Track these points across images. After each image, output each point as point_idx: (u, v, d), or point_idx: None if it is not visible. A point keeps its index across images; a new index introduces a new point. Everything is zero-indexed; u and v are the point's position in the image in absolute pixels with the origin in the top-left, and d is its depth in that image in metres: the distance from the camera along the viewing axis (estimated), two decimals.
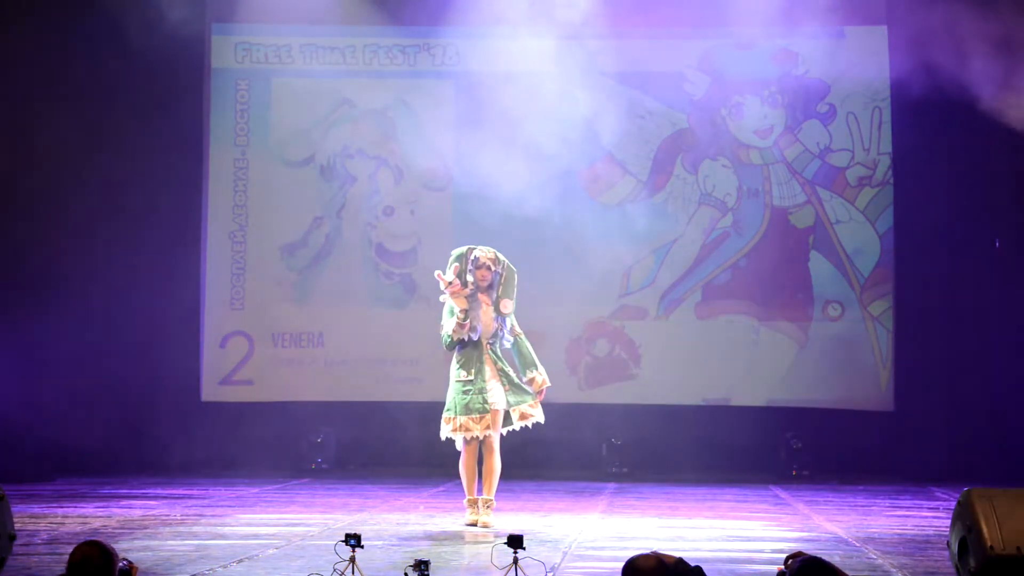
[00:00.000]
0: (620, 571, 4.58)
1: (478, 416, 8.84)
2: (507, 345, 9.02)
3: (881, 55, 13.12)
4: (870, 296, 13.25)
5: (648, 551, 4.81)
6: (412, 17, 13.43)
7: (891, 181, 13.25)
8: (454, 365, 9.05)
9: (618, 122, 13.35)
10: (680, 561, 4.71)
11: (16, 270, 12.88)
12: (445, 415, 8.99)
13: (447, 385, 9.10)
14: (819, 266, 13.33)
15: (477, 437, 8.85)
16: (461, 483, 9.06)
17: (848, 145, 13.32)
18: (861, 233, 13.27)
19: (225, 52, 13.66)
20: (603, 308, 13.44)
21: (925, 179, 13.03)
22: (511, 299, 8.98)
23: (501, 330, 8.97)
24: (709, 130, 13.43)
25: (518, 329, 9.05)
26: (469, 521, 8.94)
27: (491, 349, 8.96)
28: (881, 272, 13.24)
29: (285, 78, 13.65)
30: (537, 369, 9.01)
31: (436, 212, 13.44)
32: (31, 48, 12.66)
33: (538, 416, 8.98)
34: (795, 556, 4.73)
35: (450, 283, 8.95)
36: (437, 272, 9.05)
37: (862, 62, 13.21)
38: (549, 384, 9.06)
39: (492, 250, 9.08)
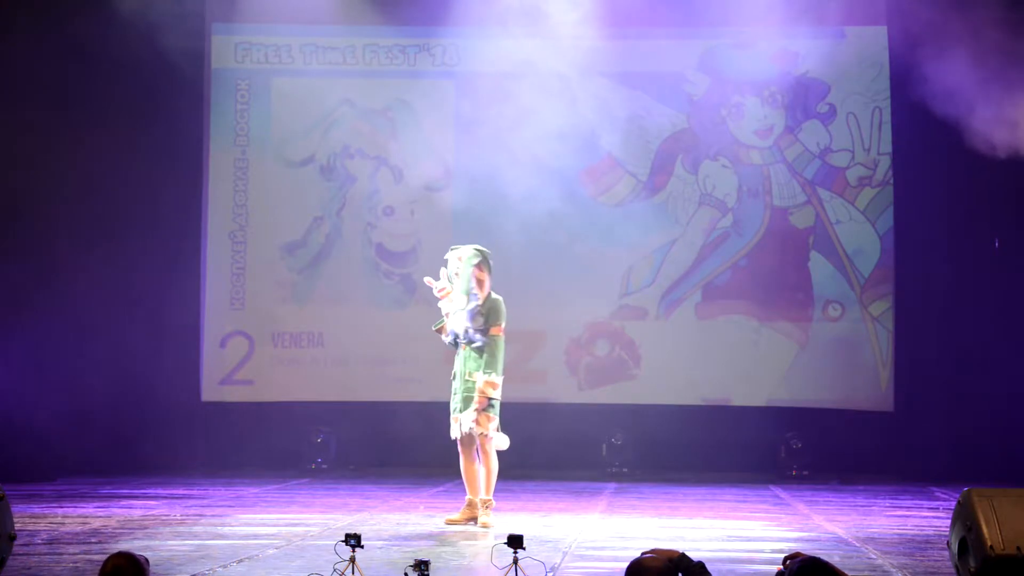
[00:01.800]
0: (623, 572, 4.57)
1: (454, 417, 8.91)
2: (477, 343, 8.92)
3: (881, 55, 13.13)
4: (870, 296, 13.25)
5: (649, 551, 4.81)
6: (412, 17, 13.43)
7: (891, 181, 13.25)
8: None
9: (618, 122, 13.36)
10: (683, 556, 4.72)
11: (16, 269, 12.87)
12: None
13: (449, 385, 9.13)
14: (819, 266, 13.33)
15: (456, 437, 8.90)
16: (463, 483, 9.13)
17: (848, 145, 13.32)
18: (861, 233, 13.27)
19: (225, 52, 13.66)
20: (603, 308, 13.44)
21: (925, 179, 13.02)
22: (463, 292, 8.87)
23: (469, 328, 8.91)
24: (709, 130, 13.43)
25: (495, 330, 8.92)
26: (448, 519, 8.98)
27: (462, 350, 8.96)
28: (881, 272, 13.24)
29: (285, 78, 13.65)
30: (484, 372, 8.82)
31: (436, 212, 13.43)
32: (30, 48, 12.65)
33: (465, 423, 8.84)
34: (793, 556, 4.73)
35: (441, 289, 8.99)
36: (427, 278, 9.08)
37: (862, 62, 13.21)
38: (484, 390, 8.78)
39: (464, 247, 9.07)
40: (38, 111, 12.81)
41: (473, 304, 8.87)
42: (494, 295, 8.99)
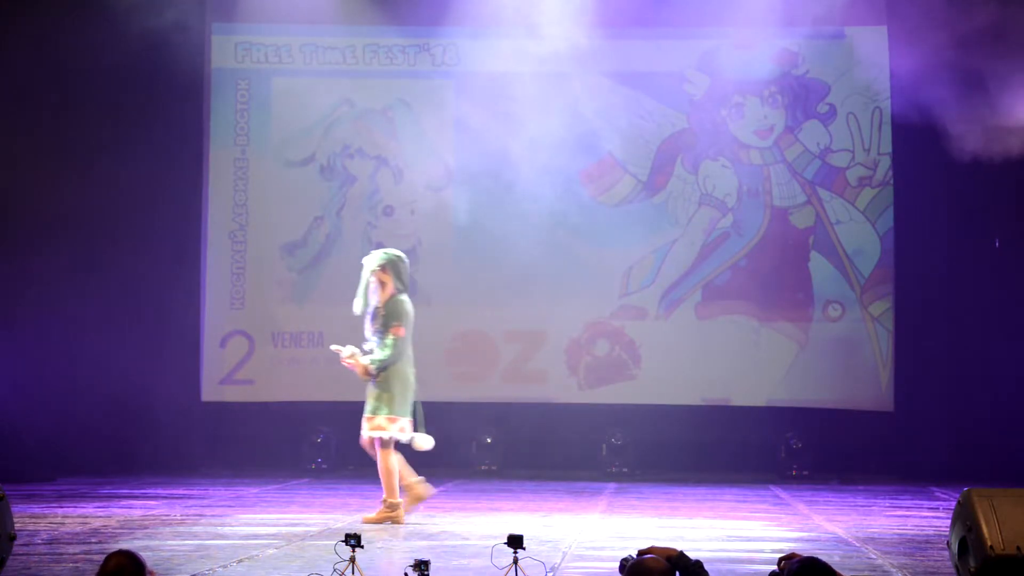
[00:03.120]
0: (623, 571, 4.57)
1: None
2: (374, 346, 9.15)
3: (881, 55, 13.11)
4: (870, 296, 13.25)
5: (646, 549, 4.80)
6: (412, 17, 13.42)
7: (891, 181, 13.25)
8: None
9: (618, 122, 13.35)
10: (681, 555, 4.72)
11: (16, 269, 12.88)
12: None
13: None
14: (819, 266, 13.32)
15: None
16: (408, 483, 9.28)
17: (848, 145, 13.31)
18: (861, 233, 13.26)
19: (225, 52, 13.65)
20: (603, 308, 13.43)
21: (925, 179, 13.02)
22: (360, 297, 9.12)
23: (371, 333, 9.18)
24: (709, 130, 13.42)
25: (394, 330, 9.06)
26: (366, 518, 9.21)
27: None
28: (881, 272, 13.23)
29: (285, 78, 13.64)
30: (372, 355, 9.07)
31: (436, 212, 13.43)
32: (31, 48, 12.65)
33: (364, 432, 9.16)
34: (789, 557, 4.73)
35: (349, 356, 9.22)
36: (334, 347, 9.30)
37: (862, 62, 13.20)
38: (352, 359, 9.14)
39: (375, 252, 9.27)
40: (38, 111, 12.83)
41: (364, 306, 9.13)
42: (400, 297, 9.11)
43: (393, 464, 9.08)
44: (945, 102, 11.54)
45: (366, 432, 9.13)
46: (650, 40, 13.42)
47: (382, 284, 9.07)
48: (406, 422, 9.15)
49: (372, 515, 9.16)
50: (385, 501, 9.12)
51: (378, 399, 9.08)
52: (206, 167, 13.64)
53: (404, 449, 9.33)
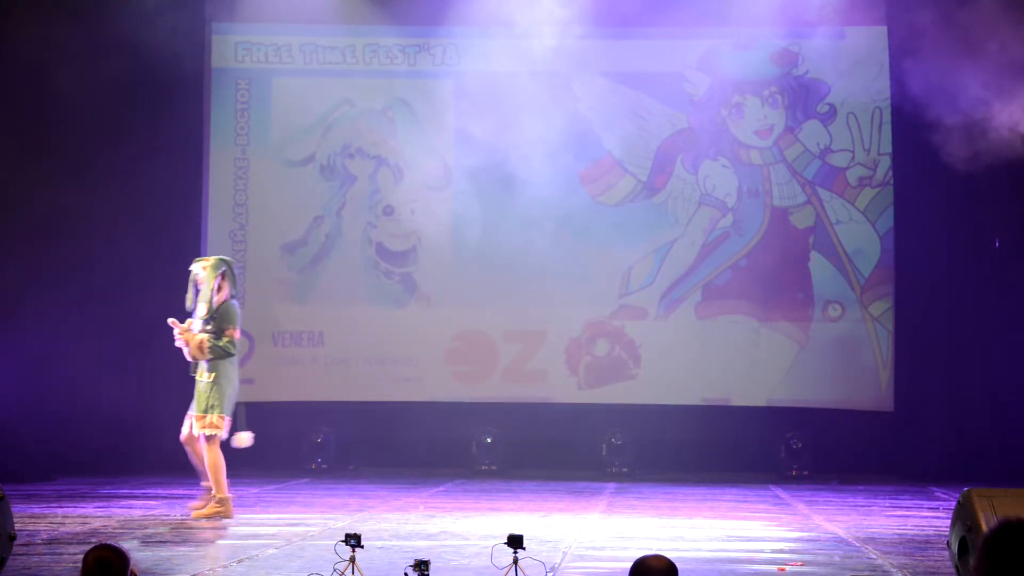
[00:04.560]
0: (623, 572, 4.57)
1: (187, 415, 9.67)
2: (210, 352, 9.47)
3: (881, 55, 13.13)
4: (870, 296, 13.25)
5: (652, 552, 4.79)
6: (412, 17, 13.43)
7: (891, 181, 13.25)
8: None
9: (618, 122, 13.36)
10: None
11: (16, 269, 12.87)
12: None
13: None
14: (819, 266, 13.32)
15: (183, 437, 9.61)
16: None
17: (848, 145, 13.31)
18: (861, 233, 13.27)
19: (225, 52, 13.65)
20: (603, 308, 13.43)
21: (925, 179, 13.01)
22: (204, 301, 9.48)
23: (204, 332, 9.47)
24: (709, 130, 13.43)
25: (229, 332, 9.42)
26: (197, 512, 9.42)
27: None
28: (881, 272, 13.23)
29: (285, 78, 13.65)
30: (209, 335, 9.37)
31: (436, 212, 13.43)
32: (31, 48, 12.65)
33: (193, 429, 9.52)
34: None
35: (183, 330, 9.56)
36: (171, 320, 9.62)
37: (862, 62, 13.21)
38: (186, 334, 9.45)
39: (209, 257, 9.71)
40: (38, 111, 12.82)
41: (203, 312, 9.47)
42: (232, 301, 9.54)
43: (221, 460, 9.47)
44: (945, 102, 11.54)
45: (197, 429, 9.45)
46: (650, 40, 13.42)
47: (220, 289, 9.49)
48: (233, 421, 9.60)
49: (203, 510, 9.39)
50: (214, 496, 9.39)
51: (210, 398, 9.43)
52: (206, 167, 13.64)
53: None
